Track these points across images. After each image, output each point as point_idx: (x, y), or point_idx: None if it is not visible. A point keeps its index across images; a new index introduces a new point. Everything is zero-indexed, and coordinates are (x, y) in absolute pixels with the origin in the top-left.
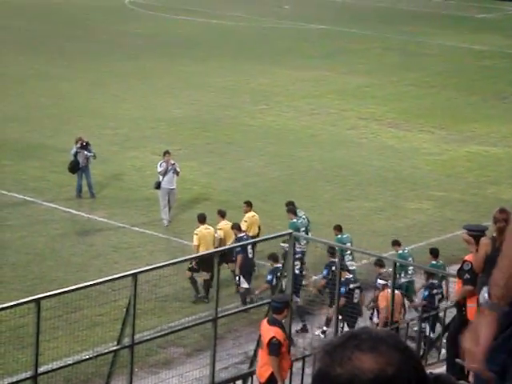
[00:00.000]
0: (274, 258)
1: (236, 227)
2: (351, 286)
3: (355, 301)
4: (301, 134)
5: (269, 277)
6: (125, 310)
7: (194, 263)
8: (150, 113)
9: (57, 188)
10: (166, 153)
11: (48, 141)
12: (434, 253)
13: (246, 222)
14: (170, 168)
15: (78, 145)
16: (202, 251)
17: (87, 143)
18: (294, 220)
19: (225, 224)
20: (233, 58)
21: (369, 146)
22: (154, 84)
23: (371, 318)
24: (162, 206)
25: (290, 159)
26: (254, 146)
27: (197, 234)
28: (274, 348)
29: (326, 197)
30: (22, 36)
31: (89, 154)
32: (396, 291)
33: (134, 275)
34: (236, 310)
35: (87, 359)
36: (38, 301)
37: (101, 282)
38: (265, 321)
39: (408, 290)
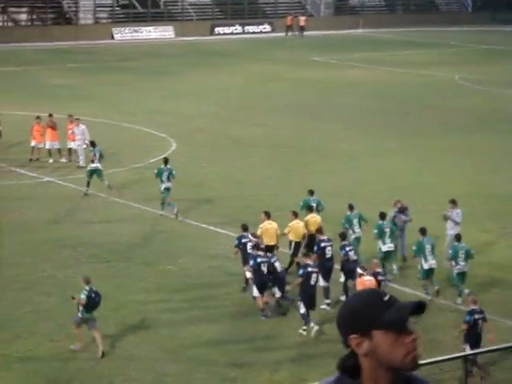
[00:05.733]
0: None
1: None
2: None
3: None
4: None
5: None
6: None
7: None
8: (478, 189)
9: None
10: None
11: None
12: None
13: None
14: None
15: (396, 208)
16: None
17: (405, 208)
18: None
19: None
20: None
21: None
22: (481, 160)
23: None
24: None
25: None
26: None
27: (261, 228)
28: None
29: None
30: (355, 113)
31: (406, 218)
32: (371, 278)
33: (464, 358)
34: None
35: None
36: None
37: (431, 363)
38: None
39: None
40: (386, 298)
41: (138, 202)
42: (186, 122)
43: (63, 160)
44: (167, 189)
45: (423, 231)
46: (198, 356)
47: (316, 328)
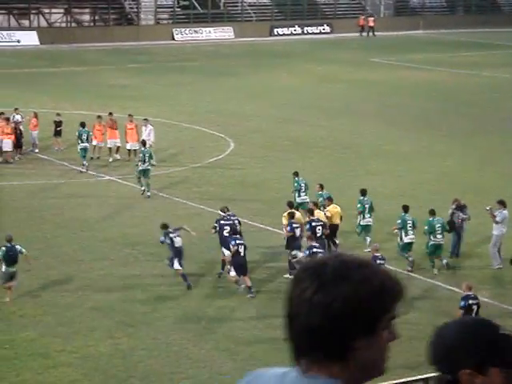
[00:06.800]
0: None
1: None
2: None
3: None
4: None
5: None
6: None
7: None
8: None
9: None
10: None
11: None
12: None
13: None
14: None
15: (454, 205)
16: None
17: (464, 205)
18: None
19: (333, 207)
20: None
21: None
22: None
23: None
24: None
25: None
26: None
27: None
28: None
29: None
30: (414, 114)
31: (464, 216)
32: None
33: None
34: None
35: None
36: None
37: None
38: None
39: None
40: (504, 331)
41: (196, 201)
42: (245, 123)
43: (117, 156)
44: (144, 170)
45: (405, 208)
46: (254, 355)
47: None
